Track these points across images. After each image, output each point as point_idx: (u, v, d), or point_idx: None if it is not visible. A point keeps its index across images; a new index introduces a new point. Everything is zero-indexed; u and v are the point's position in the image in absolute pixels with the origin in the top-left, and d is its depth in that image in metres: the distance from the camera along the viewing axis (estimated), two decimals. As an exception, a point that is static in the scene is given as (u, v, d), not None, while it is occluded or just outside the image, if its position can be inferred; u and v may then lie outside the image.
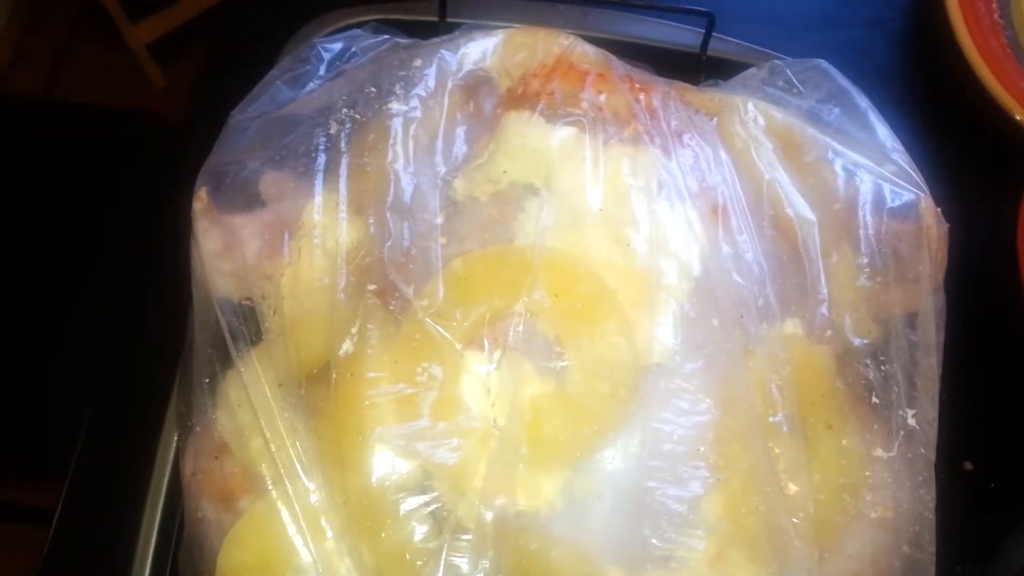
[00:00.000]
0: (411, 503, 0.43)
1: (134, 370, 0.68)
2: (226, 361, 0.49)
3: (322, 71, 0.58)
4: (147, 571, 0.57)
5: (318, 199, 0.49)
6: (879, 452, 0.46)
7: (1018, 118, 0.66)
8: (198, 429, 0.50)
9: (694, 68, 0.66)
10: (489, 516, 0.42)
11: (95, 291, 0.97)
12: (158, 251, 0.70)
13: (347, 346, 0.45)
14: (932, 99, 0.73)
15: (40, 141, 1.12)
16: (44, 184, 1.07)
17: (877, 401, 0.47)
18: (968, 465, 0.60)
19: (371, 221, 0.48)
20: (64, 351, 0.97)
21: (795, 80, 0.58)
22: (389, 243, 0.47)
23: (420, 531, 0.42)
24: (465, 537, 0.42)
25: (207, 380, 0.49)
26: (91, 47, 1.53)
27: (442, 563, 0.41)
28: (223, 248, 0.50)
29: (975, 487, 0.59)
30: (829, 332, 0.48)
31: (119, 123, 1.16)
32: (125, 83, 1.50)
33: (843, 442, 0.46)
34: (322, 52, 0.58)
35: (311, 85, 0.57)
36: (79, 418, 0.66)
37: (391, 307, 0.46)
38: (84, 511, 0.63)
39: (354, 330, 0.45)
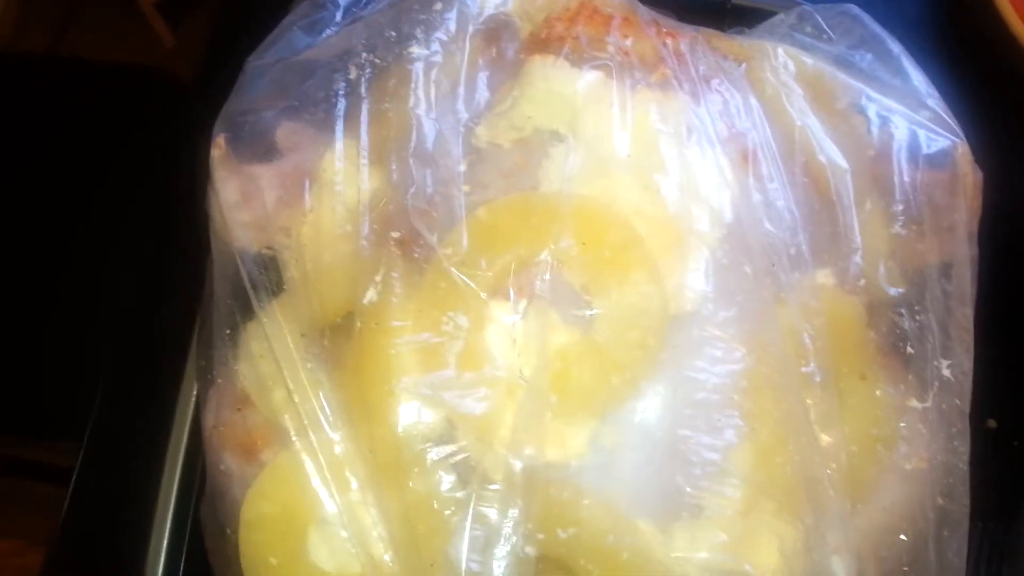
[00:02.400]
0: (438, 452, 0.42)
1: (150, 325, 0.67)
2: (247, 312, 0.48)
3: (338, 17, 0.56)
4: (168, 525, 0.57)
5: (339, 145, 0.48)
6: (913, 403, 0.45)
7: (1048, 69, 0.65)
8: (220, 381, 0.49)
9: (718, 16, 0.64)
10: (518, 465, 0.41)
11: (108, 247, 0.97)
12: (173, 204, 0.70)
13: (371, 295, 0.44)
14: (960, 50, 0.71)
15: (50, 96, 1.11)
16: (55, 139, 1.06)
17: (912, 351, 0.46)
18: (991, 422, 0.59)
19: (393, 168, 0.47)
20: (79, 308, 0.96)
21: (824, 26, 0.57)
22: (412, 190, 0.46)
23: (448, 480, 0.42)
24: (493, 487, 0.41)
25: (228, 331, 0.49)
26: (100, 5, 1.51)
27: (471, 512, 0.41)
28: (242, 198, 0.49)
29: (998, 444, 0.59)
30: (862, 282, 0.47)
31: (129, 79, 1.15)
32: (134, 42, 1.47)
33: (876, 392, 0.45)
34: (338, -2, 0.57)
35: (328, 31, 0.56)
36: (96, 376, 0.66)
37: (415, 255, 0.45)
38: (103, 468, 0.63)
39: (378, 278, 0.45)
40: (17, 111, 1.09)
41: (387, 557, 0.43)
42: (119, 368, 0.67)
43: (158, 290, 0.68)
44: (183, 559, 0.57)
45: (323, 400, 0.45)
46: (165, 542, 0.57)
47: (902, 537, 0.44)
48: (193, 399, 0.60)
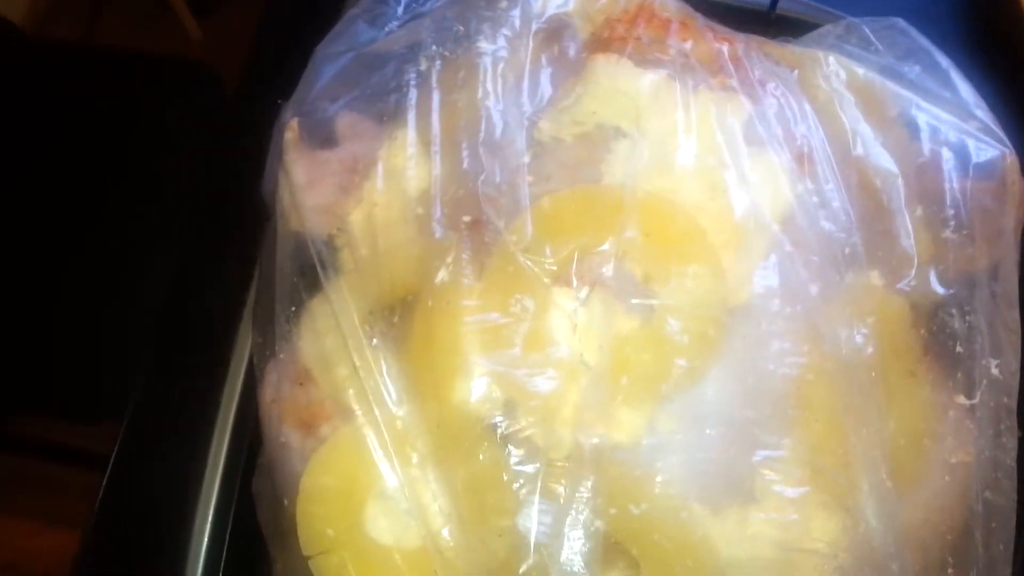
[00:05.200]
0: (507, 427, 0.44)
1: (194, 304, 0.69)
2: (312, 290, 0.50)
3: (400, 12, 0.58)
4: (213, 502, 0.58)
5: (411, 132, 0.50)
6: (961, 400, 0.47)
7: (1083, 87, 0.66)
8: (281, 356, 0.50)
9: (763, 26, 0.65)
10: (588, 443, 0.42)
11: (144, 228, 0.98)
12: (218, 185, 0.71)
13: (443, 275, 0.46)
14: (993, 66, 0.72)
15: (82, 84, 1.12)
16: (85, 124, 1.07)
17: (961, 350, 0.48)
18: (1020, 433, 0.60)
19: (465, 155, 0.48)
20: (120, 291, 0.97)
21: (872, 38, 0.58)
22: (483, 177, 0.47)
23: (516, 455, 0.43)
24: (560, 463, 0.43)
25: (292, 308, 0.50)
26: (128, -2, 1.53)
27: (539, 485, 0.42)
28: (311, 180, 0.51)
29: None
30: (915, 282, 0.48)
31: (159, 69, 1.16)
32: (162, 33, 1.50)
33: (925, 389, 0.47)
34: (399, -7, 0.59)
35: (390, 25, 0.57)
36: (135, 360, 0.67)
37: (485, 239, 0.47)
38: (144, 446, 0.64)
39: (449, 260, 0.46)
40: (50, 96, 1.10)
41: (445, 531, 0.45)
42: (162, 348, 0.68)
43: (202, 268, 0.70)
44: (227, 537, 0.58)
45: (387, 376, 0.46)
46: (210, 518, 0.59)
47: (947, 530, 0.45)
48: (241, 377, 0.62)
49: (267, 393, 0.51)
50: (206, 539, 0.59)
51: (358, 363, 0.47)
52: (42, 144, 1.07)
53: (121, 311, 0.96)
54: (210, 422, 0.61)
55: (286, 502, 0.49)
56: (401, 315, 0.47)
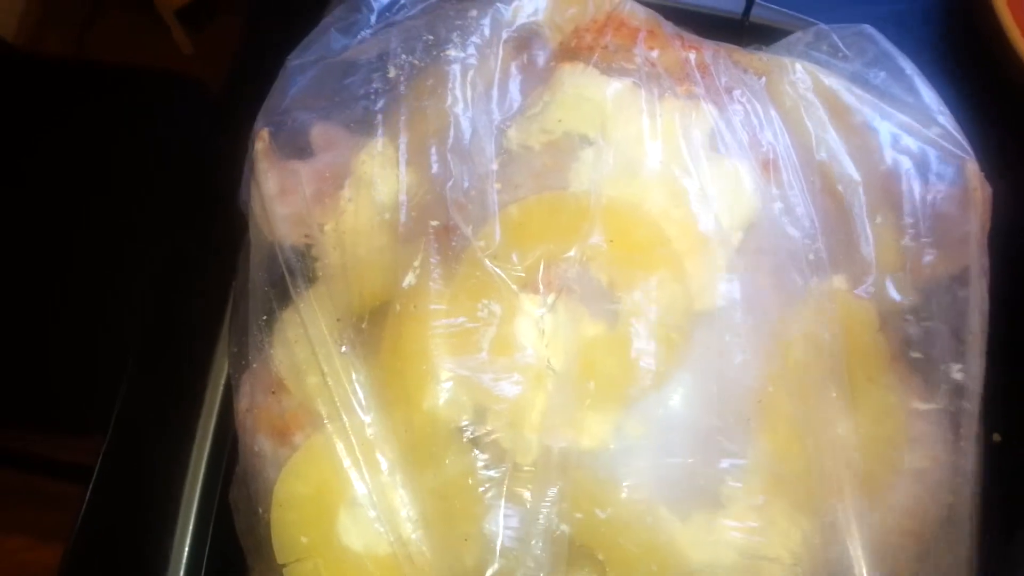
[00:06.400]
0: (474, 431, 0.44)
1: (175, 316, 0.69)
2: (284, 299, 0.50)
3: (373, 21, 0.59)
4: (193, 511, 0.59)
5: (379, 139, 0.51)
6: (920, 405, 0.47)
7: (1054, 91, 0.67)
8: (255, 366, 0.51)
9: (736, 34, 0.66)
10: (555, 448, 0.43)
11: (130, 240, 0.98)
12: (197, 197, 0.72)
13: (410, 279, 0.46)
14: (970, 72, 0.73)
15: (73, 100, 1.13)
16: (80, 139, 1.08)
17: (919, 356, 0.48)
18: (997, 437, 0.60)
19: (433, 160, 0.49)
20: (109, 302, 0.98)
21: (841, 45, 0.59)
22: (451, 183, 0.48)
23: (483, 459, 0.44)
24: (527, 468, 0.43)
25: (264, 318, 0.50)
26: (120, 11, 1.54)
27: (505, 489, 0.43)
28: (282, 190, 0.51)
29: (1004, 458, 0.60)
30: (873, 289, 0.49)
31: (144, 81, 1.17)
32: (153, 49, 1.50)
33: (885, 395, 0.47)
34: (372, 2, 0.59)
35: (363, 34, 0.58)
36: (113, 369, 0.67)
37: (452, 244, 0.47)
38: (127, 457, 0.64)
39: (416, 264, 0.46)
40: (39, 110, 1.11)
41: (415, 536, 0.45)
42: (145, 358, 0.68)
43: (183, 279, 0.70)
44: (208, 545, 0.58)
45: (356, 384, 0.47)
46: (191, 528, 0.59)
47: (908, 533, 0.45)
48: (221, 387, 0.62)
49: (242, 403, 0.52)
50: (186, 550, 0.59)
51: (327, 371, 0.47)
52: (28, 157, 1.08)
53: (112, 321, 0.96)
54: (190, 434, 0.61)
55: (261, 511, 0.49)
56: (370, 321, 0.48)
